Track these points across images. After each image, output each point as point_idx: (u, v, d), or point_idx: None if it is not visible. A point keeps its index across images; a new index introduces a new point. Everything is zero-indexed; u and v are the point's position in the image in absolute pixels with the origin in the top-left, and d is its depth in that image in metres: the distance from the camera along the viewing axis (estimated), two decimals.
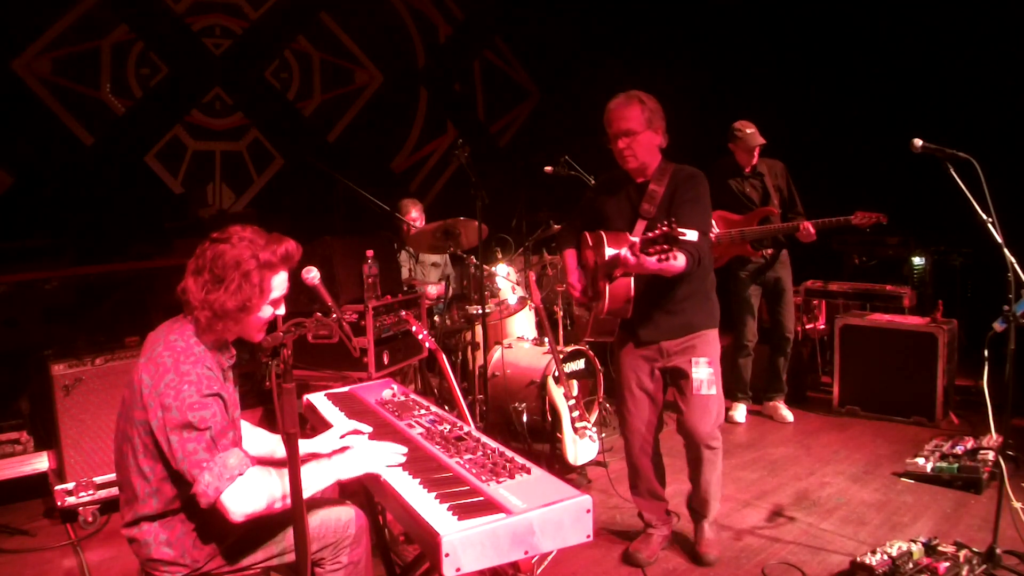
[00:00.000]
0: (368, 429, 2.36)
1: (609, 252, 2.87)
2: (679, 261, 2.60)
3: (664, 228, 2.33)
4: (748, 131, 4.63)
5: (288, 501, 1.92)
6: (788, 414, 5.01)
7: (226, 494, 1.88)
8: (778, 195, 4.74)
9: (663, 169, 2.99)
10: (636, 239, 2.48)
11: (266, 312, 2.08)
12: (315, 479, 2.01)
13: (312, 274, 2.55)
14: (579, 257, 3.27)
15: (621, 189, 3.08)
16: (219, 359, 2.08)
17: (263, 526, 2.14)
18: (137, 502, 2.01)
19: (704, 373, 2.97)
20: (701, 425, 3.00)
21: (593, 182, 4.45)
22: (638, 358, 3.11)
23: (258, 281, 2.00)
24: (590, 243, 3.11)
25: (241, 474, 1.90)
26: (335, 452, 2.20)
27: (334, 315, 2.48)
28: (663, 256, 2.36)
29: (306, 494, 1.89)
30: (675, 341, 3.03)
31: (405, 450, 2.12)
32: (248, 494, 1.90)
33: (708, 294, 3.05)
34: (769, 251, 4.78)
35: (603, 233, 2.97)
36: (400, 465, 2.07)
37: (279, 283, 2.07)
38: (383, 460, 2.06)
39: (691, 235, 2.42)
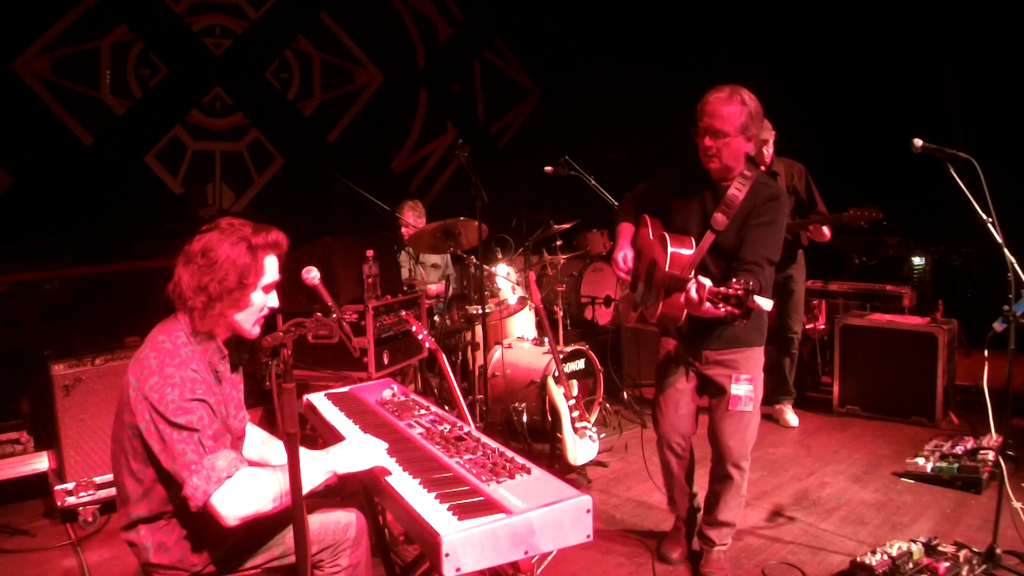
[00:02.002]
0: (384, 445, 2.22)
1: (671, 257, 2.79)
2: (766, 306, 2.33)
3: (740, 291, 2.24)
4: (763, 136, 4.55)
5: (283, 501, 1.90)
6: (793, 418, 4.96)
7: (215, 497, 1.84)
8: (793, 197, 4.71)
9: (746, 176, 2.80)
10: (707, 283, 2.37)
11: (259, 297, 2.05)
12: (311, 474, 1.97)
13: (312, 274, 2.54)
14: (635, 235, 3.12)
15: (697, 190, 2.89)
16: (210, 358, 2.04)
17: (262, 529, 2.13)
18: (130, 504, 2.00)
19: (743, 390, 2.89)
20: (731, 440, 2.94)
21: (593, 182, 4.46)
22: (676, 359, 3.04)
23: (251, 259, 2.00)
24: (651, 235, 3.00)
25: (230, 476, 1.86)
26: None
27: (334, 315, 2.47)
28: (729, 312, 2.28)
29: (305, 489, 1.87)
30: (718, 351, 2.93)
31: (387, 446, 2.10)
32: (238, 496, 1.86)
33: (764, 286, 2.88)
34: None
35: (667, 235, 2.86)
36: (400, 464, 2.07)
37: (271, 266, 2.06)
38: (377, 456, 2.05)
39: (765, 304, 2.27)
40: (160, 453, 1.88)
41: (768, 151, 4.62)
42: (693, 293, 2.41)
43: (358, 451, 2.06)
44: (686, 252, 2.83)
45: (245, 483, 1.88)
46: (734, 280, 2.31)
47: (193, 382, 1.91)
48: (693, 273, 2.70)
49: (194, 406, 1.88)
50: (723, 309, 2.30)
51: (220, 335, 2.08)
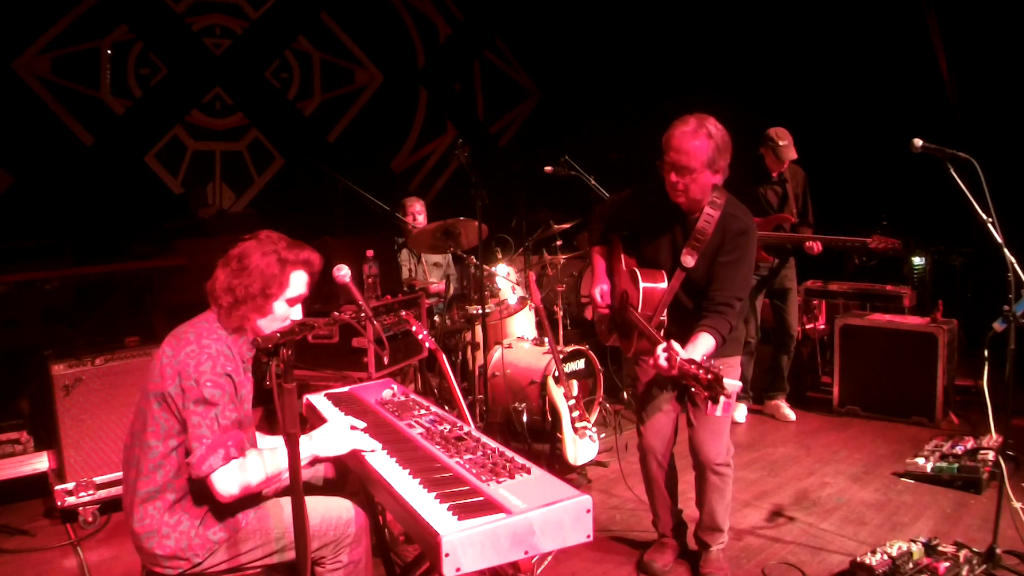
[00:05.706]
0: (362, 425, 2.34)
1: (643, 293, 2.81)
2: (733, 389, 2.40)
3: (710, 377, 2.25)
4: (782, 143, 4.51)
5: (280, 480, 2.09)
6: (790, 413, 5.01)
7: (217, 474, 1.97)
8: (796, 202, 4.71)
9: (715, 204, 2.77)
10: (678, 350, 2.40)
11: (282, 308, 2.18)
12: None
13: (343, 271, 2.61)
14: (608, 259, 3.15)
15: (665, 220, 2.87)
16: (240, 349, 2.16)
17: (265, 524, 2.15)
18: (141, 478, 2.05)
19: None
20: (710, 446, 2.96)
21: (593, 182, 4.45)
22: (657, 375, 3.02)
23: (278, 271, 2.13)
24: (623, 265, 3.03)
25: (235, 457, 2.00)
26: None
27: (363, 314, 2.51)
28: (697, 391, 2.32)
29: (286, 473, 2.02)
30: None
31: (364, 425, 2.26)
32: (240, 477, 1.99)
33: (734, 325, 2.90)
34: (775, 259, 4.72)
35: (638, 271, 2.88)
36: (400, 463, 2.07)
37: (298, 281, 2.19)
38: (355, 440, 2.17)
39: (732, 386, 2.32)
40: (181, 419, 2.02)
41: (789, 157, 4.59)
42: (663, 361, 2.46)
43: (336, 435, 2.18)
44: (658, 287, 2.86)
45: (249, 466, 2.01)
46: (707, 359, 2.36)
47: (227, 358, 2.06)
48: (663, 328, 2.78)
49: (223, 382, 2.02)
50: (692, 387, 2.35)
51: (247, 326, 2.19)
